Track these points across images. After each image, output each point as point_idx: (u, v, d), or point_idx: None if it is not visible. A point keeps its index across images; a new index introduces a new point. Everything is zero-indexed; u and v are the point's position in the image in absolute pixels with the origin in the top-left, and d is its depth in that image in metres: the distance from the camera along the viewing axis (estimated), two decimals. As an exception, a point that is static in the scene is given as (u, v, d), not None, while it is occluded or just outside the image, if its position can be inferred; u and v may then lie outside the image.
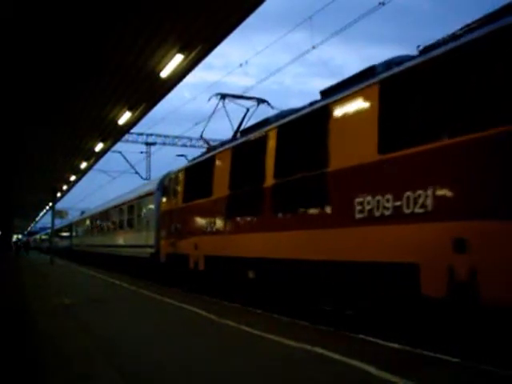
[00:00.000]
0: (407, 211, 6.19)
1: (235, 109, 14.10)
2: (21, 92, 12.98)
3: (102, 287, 16.18)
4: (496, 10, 5.72)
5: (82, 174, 27.56)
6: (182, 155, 27.50)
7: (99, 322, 8.63)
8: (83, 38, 9.65)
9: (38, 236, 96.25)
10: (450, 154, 5.73)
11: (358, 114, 7.41)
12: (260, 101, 14.04)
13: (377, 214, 6.70)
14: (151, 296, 12.87)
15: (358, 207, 7.05)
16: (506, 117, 5.15)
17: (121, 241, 24.28)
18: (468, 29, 5.99)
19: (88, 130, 16.99)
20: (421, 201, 5.99)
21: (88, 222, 36.21)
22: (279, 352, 6.12)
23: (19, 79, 12.01)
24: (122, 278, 19.59)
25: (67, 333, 7.64)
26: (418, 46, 6.76)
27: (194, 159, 14.55)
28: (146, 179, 30.59)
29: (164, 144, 31.51)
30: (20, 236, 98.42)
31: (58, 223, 52.91)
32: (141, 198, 20.72)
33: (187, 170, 14.42)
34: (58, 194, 35.32)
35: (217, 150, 12.47)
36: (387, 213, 6.53)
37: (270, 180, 9.54)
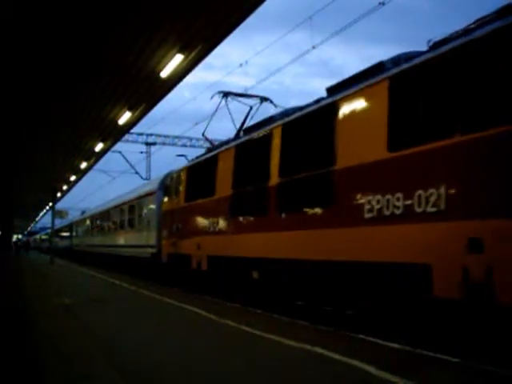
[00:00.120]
0: (419, 210, 6.06)
1: (236, 108, 14.07)
2: (21, 92, 12.97)
3: (102, 287, 16.18)
4: (509, 3, 5.56)
5: (81, 174, 27.56)
6: (182, 155, 27.50)
7: (99, 322, 8.63)
8: (83, 38, 9.65)
9: (38, 236, 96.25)
10: (464, 151, 5.58)
11: (367, 111, 7.31)
12: (263, 99, 13.95)
13: (386, 213, 6.57)
14: (151, 296, 12.87)
15: (367, 206, 6.92)
16: None
17: (121, 241, 24.22)
18: (480, 23, 5.84)
19: (88, 130, 16.98)
20: (433, 199, 5.86)
21: (88, 221, 36.19)
22: (279, 352, 6.12)
23: (19, 79, 12.01)
24: (122, 278, 19.58)
25: (67, 333, 7.64)
26: (429, 41, 6.60)
27: (197, 158, 14.44)
28: (146, 179, 30.59)
29: (164, 144, 31.53)
30: (20, 236, 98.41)
31: (58, 223, 52.92)
32: (142, 197, 20.63)
33: (189, 169, 14.32)
34: (58, 194, 35.32)
35: (220, 149, 12.35)
36: (397, 212, 6.39)
37: (274, 179, 9.42)
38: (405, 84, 6.66)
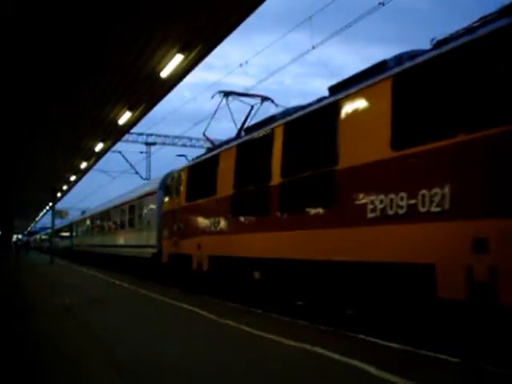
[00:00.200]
0: (423, 210, 5.99)
1: (237, 108, 14.02)
2: (21, 92, 12.97)
3: (102, 287, 16.19)
4: None
5: (82, 174, 27.56)
6: (182, 155, 27.51)
7: (99, 322, 8.63)
8: (83, 38, 9.65)
9: (38, 236, 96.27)
10: (469, 150, 5.53)
11: (370, 109, 7.25)
12: (264, 98, 13.87)
13: (390, 212, 6.50)
14: (151, 296, 12.87)
15: (370, 206, 6.85)
16: None
17: (122, 241, 24.18)
18: (483, 22, 5.79)
19: (88, 129, 16.98)
20: (437, 199, 5.79)
21: (89, 221, 36.17)
22: (279, 352, 6.12)
23: (19, 79, 12.01)
24: (122, 278, 19.59)
25: (67, 333, 7.64)
26: (432, 40, 6.55)
27: (197, 158, 14.37)
28: (145, 179, 30.59)
29: (164, 144, 31.53)
30: (20, 236, 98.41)
31: (58, 223, 52.93)
32: (142, 197, 20.57)
33: (190, 169, 14.24)
34: (58, 194, 35.32)
35: (221, 148, 12.28)
36: (401, 212, 6.33)
37: (276, 178, 9.35)
38: (409, 82, 6.59)
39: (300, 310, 9.12)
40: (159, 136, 31.40)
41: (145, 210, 20.04)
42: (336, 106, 7.88)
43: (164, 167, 22.71)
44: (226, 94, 13.89)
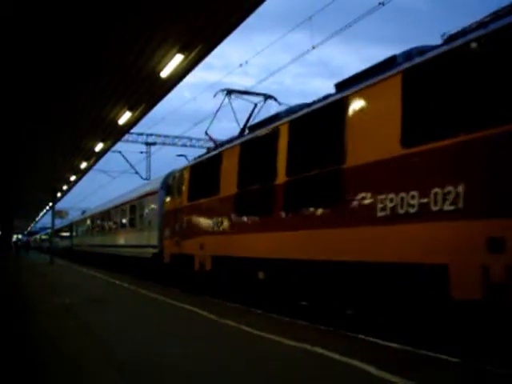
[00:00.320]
0: (435, 209, 5.83)
1: (239, 107, 13.94)
2: (21, 92, 12.98)
3: (102, 287, 16.19)
4: None
5: (82, 174, 27.56)
6: (182, 155, 27.51)
7: (99, 322, 8.63)
8: (83, 38, 9.65)
9: (38, 236, 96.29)
10: (484, 147, 5.40)
11: (379, 106, 7.08)
12: (267, 97, 13.75)
13: (400, 211, 6.33)
14: (151, 296, 12.87)
15: (380, 205, 6.69)
16: None
17: (123, 241, 24.06)
18: (496, 16, 5.69)
19: (88, 129, 16.98)
20: (451, 197, 5.64)
21: (89, 221, 36.13)
22: (279, 352, 6.12)
23: (19, 79, 12.01)
24: (122, 279, 19.59)
25: (67, 333, 7.64)
26: (443, 34, 6.44)
27: (200, 157, 14.25)
28: (145, 179, 30.57)
29: (164, 144, 31.50)
30: (20, 236, 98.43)
31: (58, 223, 52.93)
32: (143, 197, 20.44)
33: (192, 168, 14.10)
34: (58, 194, 35.32)
35: (224, 147, 12.12)
36: (412, 210, 6.17)
37: (281, 177, 9.19)
38: (420, 77, 6.43)
39: (300, 310, 9.11)
40: (159, 136, 31.38)
41: (146, 210, 19.92)
42: (344, 103, 7.71)
43: (164, 167, 22.73)
44: (229, 92, 13.78)
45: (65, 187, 32.98)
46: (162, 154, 32.99)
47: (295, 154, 8.96)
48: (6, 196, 34.88)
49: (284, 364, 5.54)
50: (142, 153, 31.42)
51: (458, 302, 5.62)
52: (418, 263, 6.08)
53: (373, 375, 4.93)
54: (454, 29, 6.35)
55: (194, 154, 24.77)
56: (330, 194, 7.83)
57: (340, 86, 8.34)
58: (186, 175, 14.36)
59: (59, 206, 47.60)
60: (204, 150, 16.20)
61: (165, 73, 11.13)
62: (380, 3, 11.93)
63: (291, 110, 9.77)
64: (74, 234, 44.65)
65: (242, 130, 12.98)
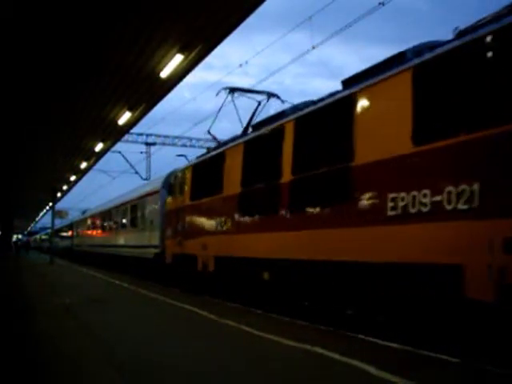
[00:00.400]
0: (448, 207, 5.67)
1: (241, 106, 13.88)
2: (21, 92, 12.98)
3: (102, 287, 16.19)
4: None
5: (82, 174, 27.57)
6: (181, 155, 27.53)
7: (99, 322, 8.63)
8: (83, 38, 9.65)
9: (38, 236, 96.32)
10: (500, 144, 5.23)
11: (388, 102, 6.91)
12: (270, 95, 13.63)
13: (412, 210, 6.17)
14: (152, 296, 12.87)
15: (390, 204, 6.51)
16: None
17: (124, 241, 23.92)
18: (510, 9, 5.56)
19: (88, 130, 16.99)
20: (465, 196, 5.48)
21: (89, 221, 36.06)
22: (279, 352, 6.13)
23: (19, 79, 12.02)
24: (122, 279, 19.59)
25: (67, 333, 7.64)
26: (455, 29, 6.29)
27: (202, 155, 14.13)
28: (145, 179, 30.57)
29: (164, 144, 31.50)
30: (20, 236, 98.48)
31: (58, 223, 52.92)
32: (145, 196, 20.28)
33: (195, 167, 13.93)
34: (58, 194, 35.33)
35: (227, 146, 11.98)
36: (425, 209, 6.00)
37: (287, 176, 9.01)
38: (432, 73, 6.25)
39: (300, 311, 9.10)
40: (159, 136, 31.38)
41: (147, 210, 19.77)
42: (352, 100, 7.54)
43: (164, 167, 22.72)
44: (232, 90, 13.67)
45: (65, 187, 32.99)
46: (161, 154, 33.02)
47: (301, 151, 8.78)
48: (6, 196, 34.89)
49: (284, 364, 5.55)
50: (141, 153, 31.44)
51: (472, 303, 5.48)
52: (431, 263, 5.91)
53: (373, 375, 4.93)
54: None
55: (193, 154, 24.80)
56: (338, 192, 7.66)
57: (347, 83, 8.19)
58: (189, 174, 14.18)
59: (59, 206, 47.61)
60: (204, 150, 16.17)
61: (165, 73, 11.13)
62: (380, 3, 11.93)
63: (297, 108, 9.58)
64: (75, 234, 44.64)
65: (245, 129, 12.87)
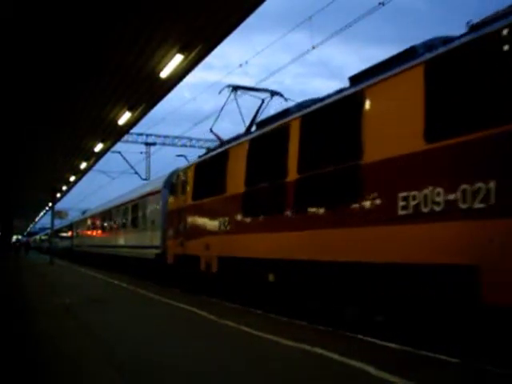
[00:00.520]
0: (463, 206, 5.48)
1: (242, 106, 13.85)
2: (21, 92, 12.98)
3: (102, 287, 16.19)
4: None
5: (81, 174, 27.58)
6: (181, 155, 27.53)
7: (99, 322, 8.63)
8: (83, 38, 9.66)
9: (37, 236, 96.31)
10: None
11: (399, 99, 6.71)
12: (273, 93, 13.56)
13: (425, 209, 5.98)
14: (151, 296, 12.87)
15: (401, 203, 6.32)
16: None
17: (124, 241, 23.82)
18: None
19: (88, 130, 16.99)
20: (481, 194, 5.28)
21: (89, 221, 36.01)
22: (279, 352, 6.13)
23: (19, 79, 12.02)
24: (122, 279, 19.59)
25: (67, 333, 7.65)
26: (468, 22, 6.15)
27: (205, 154, 14.01)
28: (145, 179, 30.56)
29: (164, 144, 31.50)
30: (20, 237, 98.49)
31: (58, 223, 52.92)
32: (146, 196, 20.14)
33: (197, 166, 13.78)
34: (58, 195, 35.32)
35: (231, 144, 11.85)
36: (438, 208, 5.81)
37: (293, 174, 8.83)
38: (446, 67, 6.06)
39: (298, 311, 9.10)
40: (159, 136, 31.38)
41: (148, 210, 19.62)
42: (361, 96, 7.36)
43: (164, 167, 22.69)
44: (235, 88, 13.60)
45: (64, 187, 33.00)
46: (161, 155, 33.03)
47: (308, 150, 8.60)
48: (6, 196, 34.89)
49: (284, 364, 5.55)
50: (141, 153, 31.45)
51: (489, 306, 5.29)
52: (446, 264, 5.72)
53: (372, 375, 4.93)
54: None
55: (193, 154, 24.84)
56: (346, 191, 7.50)
57: (354, 80, 8.01)
58: (191, 173, 14.02)
59: (59, 206, 47.65)
60: (204, 150, 16.12)
61: (165, 73, 11.13)
62: (380, 3, 11.92)
63: (302, 105, 9.42)
64: (74, 234, 44.61)
65: (249, 128, 12.79)
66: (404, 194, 6.32)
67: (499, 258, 5.12)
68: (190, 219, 13.80)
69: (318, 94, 8.95)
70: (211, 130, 14.83)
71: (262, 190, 9.96)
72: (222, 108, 14.08)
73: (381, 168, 6.85)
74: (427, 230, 5.98)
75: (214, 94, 14.22)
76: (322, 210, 8.04)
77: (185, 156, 27.05)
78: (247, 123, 13.25)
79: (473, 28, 6.01)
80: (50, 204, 36.45)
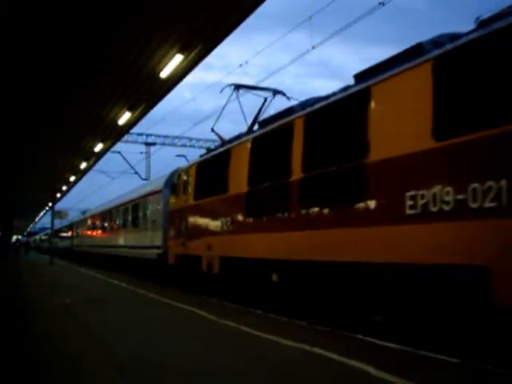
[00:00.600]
0: (474, 206, 5.36)
1: (244, 105, 13.83)
2: (21, 92, 12.99)
3: (102, 287, 16.20)
4: None
5: (81, 174, 27.58)
6: (181, 155, 27.53)
7: (99, 322, 8.64)
8: (83, 38, 9.66)
9: (37, 236, 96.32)
10: None
11: (407, 96, 6.59)
12: (276, 92, 13.48)
13: (433, 209, 5.86)
14: (151, 296, 12.87)
15: (409, 202, 6.20)
16: None
17: (125, 241, 23.73)
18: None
19: (88, 130, 16.99)
20: (492, 193, 5.17)
21: (89, 221, 35.96)
22: (279, 352, 6.13)
23: (19, 79, 12.02)
24: (121, 279, 19.59)
25: (67, 333, 7.65)
26: (477, 18, 6.07)
27: (207, 153, 13.95)
28: (145, 179, 30.55)
29: (164, 144, 31.49)
30: (20, 237, 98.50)
31: (58, 223, 52.92)
32: (147, 196, 20.05)
33: (199, 166, 13.67)
34: (58, 195, 35.32)
35: (233, 143, 11.76)
36: (447, 208, 5.69)
37: (297, 173, 8.72)
38: (455, 64, 5.97)
39: (298, 311, 9.09)
40: (159, 136, 31.37)
41: (149, 210, 19.54)
42: (367, 93, 7.25)
43: (164, 167, 22.67)
44: (237, 86, 13.54)
45: (64, 187, 33.01)
46: (161, 155, 33.03)
47: (312, 148, 8.49)
48: (6, 196, 34.89)
49: (284, 364, 5.55)
50: (141, 153, 31.44)
51: (500, 307, 5.20)
52: (456, 265, 5.61)
53: (372, 375, 4.93)
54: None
55: (193, 154, 24.84)
56: (352, 190, 7.39)
57: (359, 77, 7.91)
58: (193, 173, 13.91)
59: (59, 206, 47.65)
60: (204, 150, 16.10)
61: (165, 73, 11.13)
62: (380, 3, 11.91)
63: (306, 104, 9.32)
64: (74, 234, 44.59)
65: (251, 127, 12.73)
66: (411, 193, 6.21)
67: (506, 260, 5.05)
68: (191, 219, 13.71)
69: (317, 94, 8.93)
70: (213, 130, 14.71)
71: (265, 189, 9.85)
72: (224, 107, 14.02)
73: (387, 166, 6.74)
74: (436, 229, 5.87)
75: (213, 94, 14.24)
76: (328, 210, 7.94)
77: (185, 156, 27.06)
78: (249, 122, 13.20)
79: (481, 24, 5.92)
80: (50, 204, 36.46)
